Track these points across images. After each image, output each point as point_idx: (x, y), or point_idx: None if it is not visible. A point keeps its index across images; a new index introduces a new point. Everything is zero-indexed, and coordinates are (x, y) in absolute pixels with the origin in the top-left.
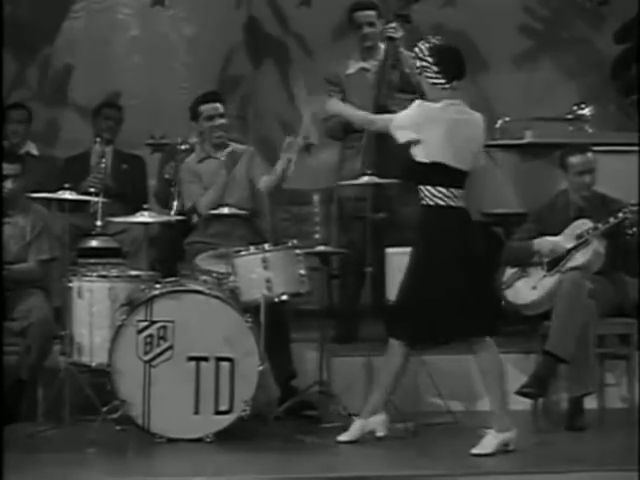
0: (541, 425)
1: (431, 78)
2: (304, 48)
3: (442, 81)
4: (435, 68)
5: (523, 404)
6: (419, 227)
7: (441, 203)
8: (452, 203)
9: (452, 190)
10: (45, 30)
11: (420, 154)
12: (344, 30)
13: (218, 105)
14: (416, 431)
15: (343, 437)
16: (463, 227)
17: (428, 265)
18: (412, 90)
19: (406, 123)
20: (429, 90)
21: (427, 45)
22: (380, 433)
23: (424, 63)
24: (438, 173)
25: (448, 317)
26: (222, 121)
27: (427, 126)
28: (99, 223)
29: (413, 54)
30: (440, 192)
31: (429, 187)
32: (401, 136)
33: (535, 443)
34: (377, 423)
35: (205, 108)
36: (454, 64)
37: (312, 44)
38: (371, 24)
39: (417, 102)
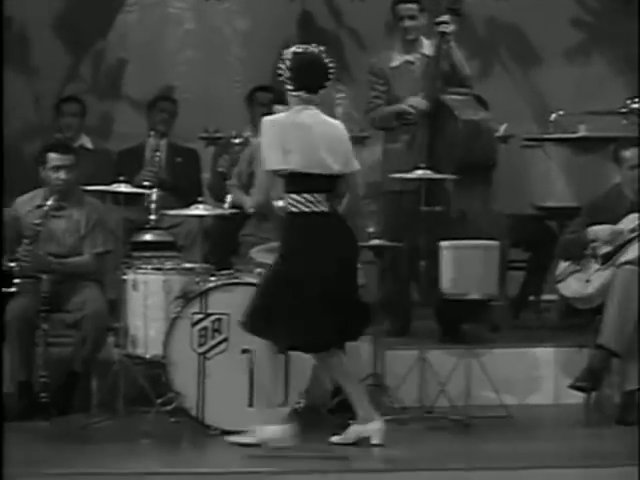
0: (593, 419)
1: (285, 84)
2: (358, 42)
3: (292, 88)
4: (288, 75)
5: (576, 398)
6: (283, 234)
7: (305, 209)
8: (316, 209)
9: (316, 195)
10: (99, 24)
11: (276, 163)
12: (395, 23)
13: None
14: (469, 423)
15: (336, 439)
16: (329, 232)
17: (288, 272)
18: (462, 84)
19: (268, 146)
20: (288, 97)
21: (290, 51)
22: (375, 441)
23: (281, 69)
24: (296, 180)
25: (309, 323)
26: None
27: (282, 135)
28: (153, 217)
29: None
30: (304, 198)
31: (292, 194)
32: (273, 160)
33: (584, 436)
34: (373, 431)
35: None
36: (305, 74)
37: (366, 38)
38: (412, 17)
39: (264, 119)
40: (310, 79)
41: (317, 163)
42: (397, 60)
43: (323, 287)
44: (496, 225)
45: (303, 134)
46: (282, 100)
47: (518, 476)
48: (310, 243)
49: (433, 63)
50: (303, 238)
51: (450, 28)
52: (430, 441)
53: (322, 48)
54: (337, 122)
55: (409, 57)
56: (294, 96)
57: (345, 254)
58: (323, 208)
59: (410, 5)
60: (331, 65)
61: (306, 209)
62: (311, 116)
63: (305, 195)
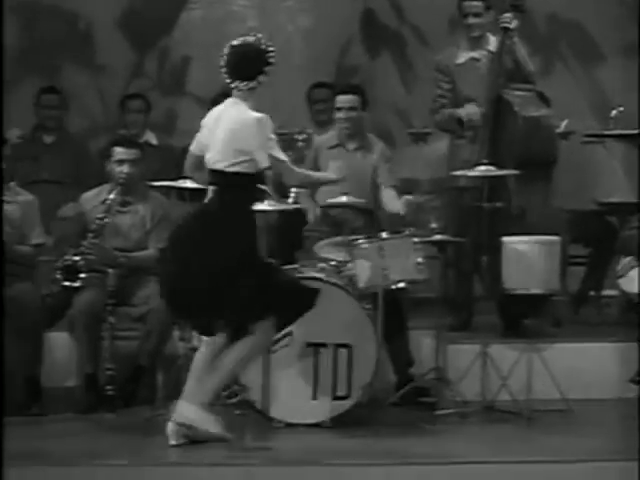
0: None
1: (225, 75)
2: (420, 39)
3: (228, 81)
4: (224, 69)
5: (636, 392)
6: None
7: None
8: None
9: (211, 188)
10: (163, 22)
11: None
12: (460, 20)
13: (351, 97)
14: (531, 417)
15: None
16: (211, 224)
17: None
18: (526, 80)
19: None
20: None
21: (231, 44)
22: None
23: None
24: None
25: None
26: (352, 114)
27: (205, 128)
28: None
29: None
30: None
31: (210, 187)
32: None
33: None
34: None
35: (338, 99)
36: (235, 64)
37: (428, 35)
38: (477, 14)
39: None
40: (243, 69)
41: (209, 158)
42: (462, 57)
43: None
44: (556, 221)
45: (214, 126)
46: (349, 92)
47: (578, 469)
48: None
49: (496, 59)
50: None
51: (513, 24)
52: (491, 434)
53: (260, 36)
54: (250, 119)
55: (474, 54)
56: (232, 88)
57: (229, 246)
58: (208, 201)
59: (475, 2)
60: (269, 51)
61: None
62: (222, 108)
63: (210, 187)
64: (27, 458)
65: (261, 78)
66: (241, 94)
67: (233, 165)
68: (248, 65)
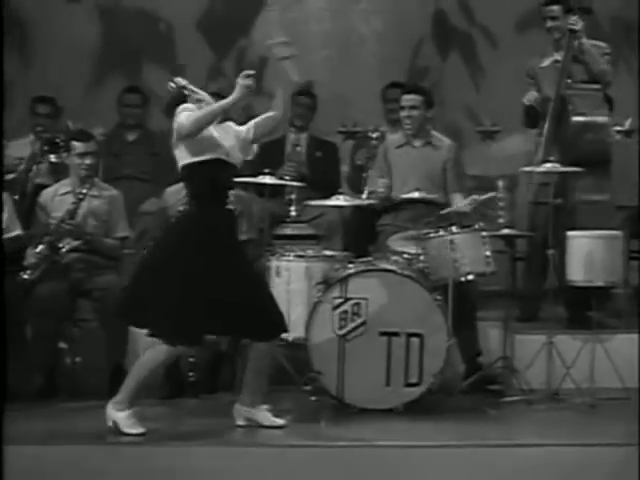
0: None
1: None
2: (489, 39)
3: None
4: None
5: None
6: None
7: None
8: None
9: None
10: (241, 23)
11: None
12: (528, 21)
13: (413, 96)
14: (593, 405)
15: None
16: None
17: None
18: (595, 80)
19: None
20: None
21: None
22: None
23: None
24: None
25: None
26: (414, 113)
27: None
28: (294, 210)
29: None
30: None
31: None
32: None
33: None
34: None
35: (402, 98)
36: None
37: (497, 36)
38: (554, 18)
39: None
40: None
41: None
42: (547, 60)
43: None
44: (617, 216)
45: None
46: (412, 92)
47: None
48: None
49: (563, 60)
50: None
51: (579, 25)
52: (555, 420)
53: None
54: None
55: (557, 56)
56: None
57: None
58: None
59: (551, 7)
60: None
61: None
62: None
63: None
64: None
65: None
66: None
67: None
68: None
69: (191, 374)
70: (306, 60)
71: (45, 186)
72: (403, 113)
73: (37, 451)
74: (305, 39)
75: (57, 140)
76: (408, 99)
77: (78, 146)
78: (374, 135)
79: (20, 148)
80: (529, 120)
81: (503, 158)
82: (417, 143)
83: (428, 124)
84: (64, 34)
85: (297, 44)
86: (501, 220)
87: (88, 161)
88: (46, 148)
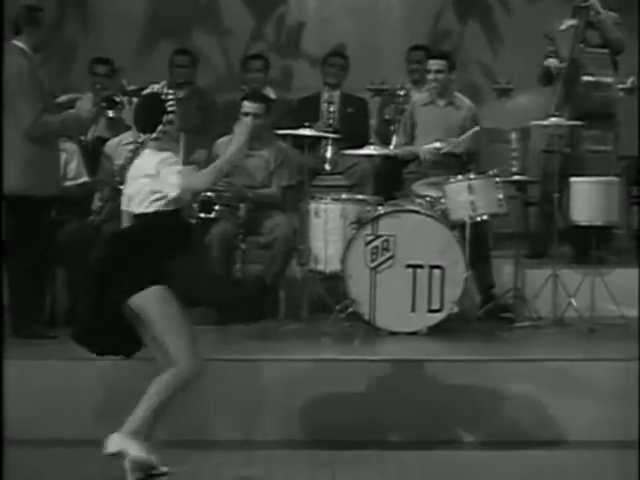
0: None
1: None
2: (504, 8)
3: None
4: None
5: None
6: None
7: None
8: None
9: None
10: None
11: None
12: None
13: (439, 61)
14: (593, 329)
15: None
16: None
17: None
18: (607, 46)
19: None
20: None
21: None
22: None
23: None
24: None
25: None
26: (439, 76)
27: None
28: (328, 163)
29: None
30: None
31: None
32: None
33: None
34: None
35: (429, 63)
36: (137, 117)
37: (512, 4)
38: None
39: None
40: (143, 122)
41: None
42: (565, 24)
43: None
44: (618, 165)
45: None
46: (437, 57)
47: (633, 367)
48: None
49: (577, 27)
50: None
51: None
52: (559, 341)
53: (162, 84)
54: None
55: (574, 22)
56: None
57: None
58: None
59: None
60: (168, 100)
61: None
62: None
63: None
64: None
65: (163, 128)
66: (153, 144)
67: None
68: (147, 118)
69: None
70: (339, 24)
71: (103, 138)
72: (429, 76)
73: None
74: (338, 4)
75: (115, 97)
76: (433, 63)
77: None
78: (400, 92)
79: (80, 104)
80: (545, 79)
81: (516, 113)
82: (441, 103)
83: (451, 86)
84: (119, 1)
85: (330, 9)
86: (514, 168)
87: None
88: (104, 105)
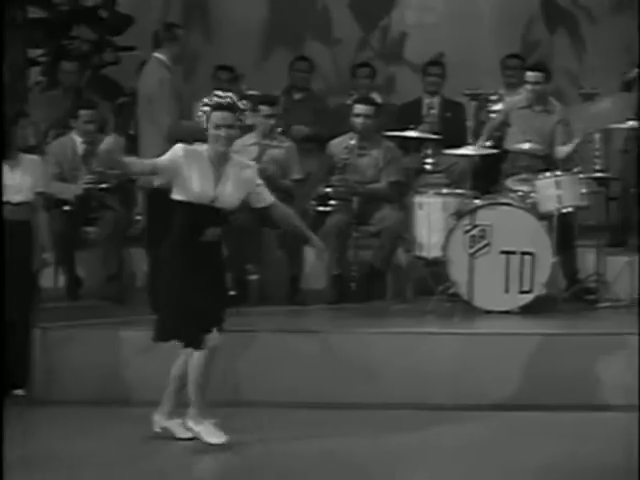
0: None
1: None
2: (589, 18)
3: None
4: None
5: None
6: None
7: None
8: None
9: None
10: (385, 4)
11: None
12: (623, 4)
13: (537, 74)
14: None
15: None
16: None
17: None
18: None
19: None
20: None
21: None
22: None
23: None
24: None
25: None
26: (537, 87)
27: None
28: (430, 163)
29: None
30: None
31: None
32: None
33: None
34: (174, 425)
35: (527, 75)
36: None
37: (596, 14)
38: None
39: None
40: None
41: None
42: None
43: None
44: None
45: None
46: (535, 69)
47: None
48: None
49: None
50: None
51: None
52: (636, 320)
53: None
54: None
55: None
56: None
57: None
58: None
59: None
60: (244, 113)
61: None
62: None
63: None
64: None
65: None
66: None
67: None
68: None
69: (352, 284)
70: (437, 34)
71: None
72: (528, 87)
73: None
74: (435, 16)
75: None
76: (532, 75)
77: (264, 109)
78: (494, 98)
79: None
80: (625, 86)
81: (599, 116)
82: (537, 108)
83: (547, 93)
84: (238, 13)
85: (431, 20)
86: (597, 166)
87: (272, 121)
88: None
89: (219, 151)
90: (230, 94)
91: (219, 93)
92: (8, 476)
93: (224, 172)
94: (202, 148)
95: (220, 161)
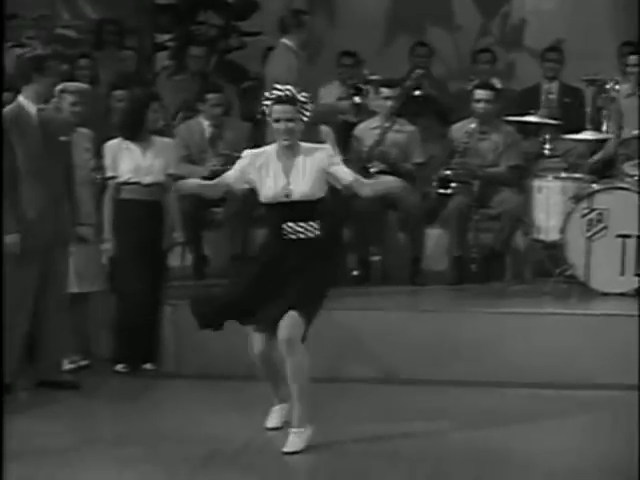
0: None
1: None
2: None
3: None
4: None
5: None
6: None
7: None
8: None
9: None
10: None
11: None
12: None
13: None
14: None
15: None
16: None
17: None
18: None
19: None
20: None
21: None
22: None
23: None
24: None
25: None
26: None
27: None
28: (548, 148)
29: None
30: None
31: None
32: None
33: None
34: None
35: (630, 58)
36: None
37: None
38: None
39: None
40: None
41: None
42: None
43: None
44: None
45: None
46: None
47: None
48: None
49: None
50: None
51: None
52: None
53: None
54: None
55: None
56: None
57: None
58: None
59: None
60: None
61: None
62: None
63: None
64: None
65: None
66: None
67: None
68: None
69: (473, 265)
70: (557, 21)
71: (349, 122)
72: (629, 69)
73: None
74: (554, 3)
75: (360, 85)
76: (634, 58)
77: (385, 91)
78: (610, 84)
79: (327, 92)
80: None
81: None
82: None
83: None
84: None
85: (549, 6)
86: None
87: (391, 103)
88: (351, 92)
89: (283, 145)
90: (290, 87)
91: (278, 87)
92: (139, 447)
93: (293, 164)
94: (270, 148)
95: (287, 155)
